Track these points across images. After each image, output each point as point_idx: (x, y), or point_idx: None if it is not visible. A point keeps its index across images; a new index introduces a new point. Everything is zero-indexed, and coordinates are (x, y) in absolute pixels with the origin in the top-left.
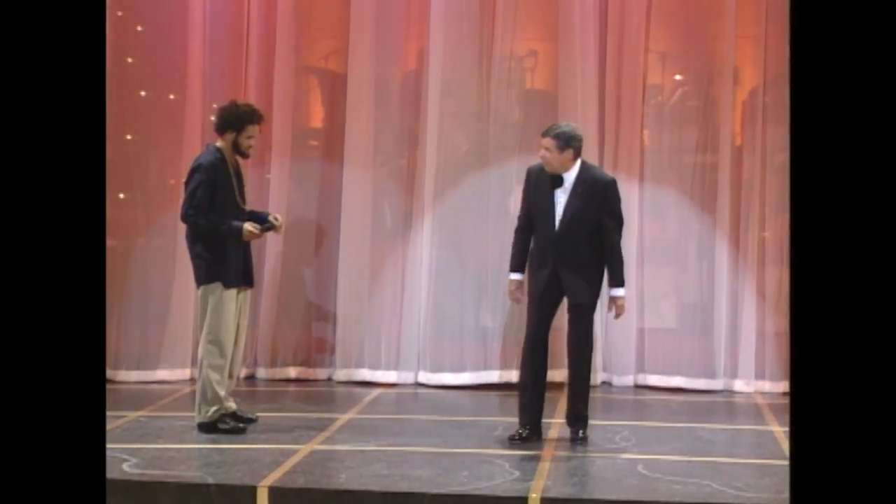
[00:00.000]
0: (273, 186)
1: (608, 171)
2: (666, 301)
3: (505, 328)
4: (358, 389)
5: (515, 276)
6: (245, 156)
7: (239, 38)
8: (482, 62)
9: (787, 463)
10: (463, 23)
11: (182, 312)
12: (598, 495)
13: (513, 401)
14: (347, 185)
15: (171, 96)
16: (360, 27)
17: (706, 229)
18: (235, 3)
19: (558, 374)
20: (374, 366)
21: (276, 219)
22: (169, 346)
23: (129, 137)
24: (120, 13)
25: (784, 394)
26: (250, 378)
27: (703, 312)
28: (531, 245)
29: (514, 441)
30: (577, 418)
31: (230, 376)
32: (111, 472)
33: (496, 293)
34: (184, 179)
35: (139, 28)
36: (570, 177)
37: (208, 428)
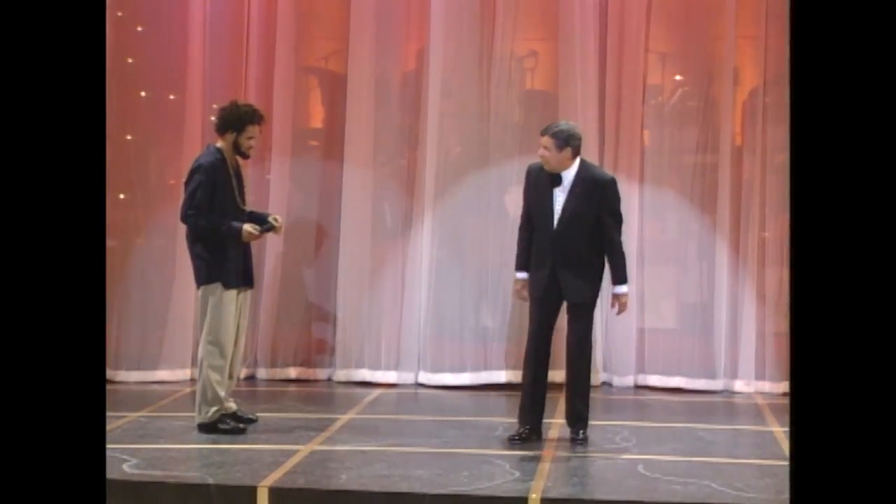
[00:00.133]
0: (273, 187)
1: (608, 171)
2: (666, 301)
3: (505, 328)
4: (358, 390)
5: (521, 275)
6: (245, 156)
7: (239, 38)
8: (482, 62)
9: (787, 463)
10: (463, 23)
11: (182, 312)
12: (598, 496)
13: (513, 401)
14: (347, 185)
15: (171, 96)
16: (360, 27)
17: (706, 229)
18: (235, 3)
19: (558, 374)
20: (375, 366)
21: (275, 220)
22: (169, 346)
23: (129, 137)
24: (120, 13)
25: (784, 394)
26: (250, 378)
27: (704, 313)
28: (533, 243)
29: (514, 441)
30: (578, 418)
31: (230, 377)
32: (111, 473)
33: (496, 293)
34: (184, 180)
35: (139, 28)
36: (569, 175)
37: (208, 428)
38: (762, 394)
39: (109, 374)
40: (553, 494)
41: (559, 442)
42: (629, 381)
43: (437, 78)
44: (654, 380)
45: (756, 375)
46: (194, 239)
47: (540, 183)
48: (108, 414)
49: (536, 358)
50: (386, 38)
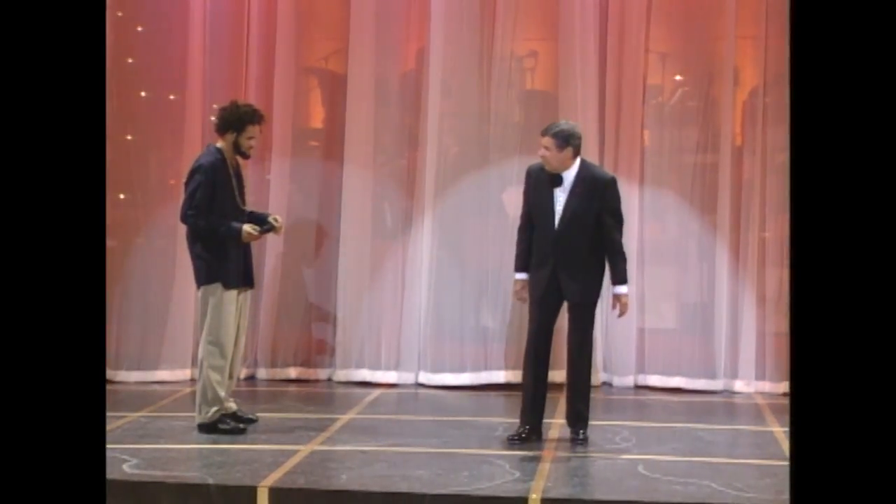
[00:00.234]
0: (273, 187)
1: (608, 170)
2: (666, 301)
3: (505, 328)
4: (358, 390)
5: (521, 276)
6: (246, 156)
7: (239, 38)
8: (482, 62)
9: (787, 463)
10: (463, 23)
11: (182, 312)
12: (598, 496)
13: (513, 401)
14: (347, 185)
15: (172, 97)
16: (360, 27)
17: (706, 230)
18: (235, 3)
19: (558, 374)
20: (375, 366)
21: (275, 220)
22: (169, 346)
23: (129, 138)
24: (120, 13)
25: (784, 394)
26: (250, 378)
27: (704, 313)
28: (533, 244)
29: (514, 442)
30: (578, 419)
31: (230, 377)
32: (111, 473)
33: (496, 293)
34: (184, 180)
35: (139, 28)
36: (570, 175)
37: (208, 428)
38: (762, 394)
39: (109, 374)
40: (553, 494)
41: (559, 442)
42: (629, 381)
43: (437, 78)
44: (655, 380)
45: (756, 375)
46: (194, 239)
47: (540, 183)
48: (108, 414)
49: (536, 358)
50: (386, 38)
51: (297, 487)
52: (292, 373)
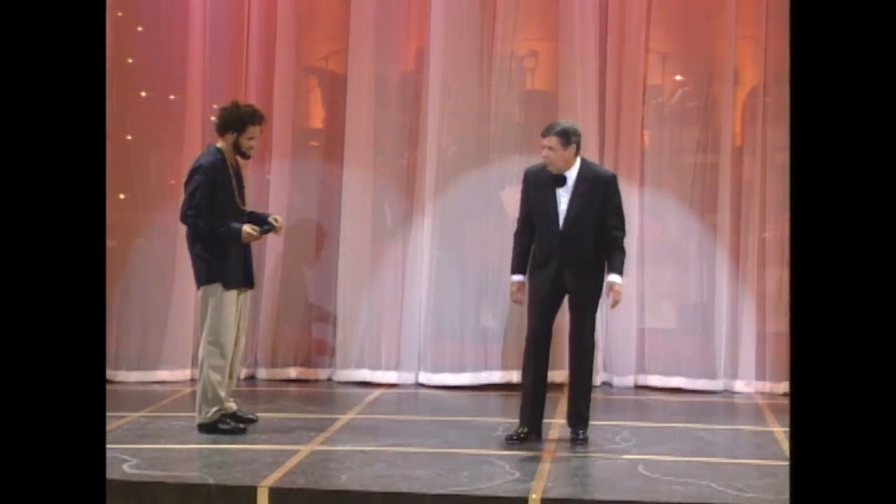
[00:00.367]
0: (273, 187)
1: (610, 170)
2: (666, 301)
3: (505, 328)
4: (358, 390)
5: (517, 278)
6: (246, 156)
7: (239, 38)
8: (482, 62)
9: (787, 464)
10: (463, 23)
11: (182, 313)
12: (598, 496)
13: (513, 401)
14: (347, 185)
15: (172, 97)
16: (360, 27)
17: (706, 230)
18: (235, 3)
19: (558, 374)
20: (375, 366)
21: (275, 220)
22: (169, 346)
23: (129, 138)
24: (120, 13)
25: (784, 394)
26: (250, 378)
27: (704, 313)
28: (533, 245)
29: (512, 441)
30: (579, 419)
31: (230, 377)
32: (111, 473)
33: (496, 293)
34: (184, 180)
35: (139, 28)
36: (572, 175)
37: (209, 428)
38: (762, 394)
39: (109, 374)
40: (553, 495)
41: (559, 442)
42: (629, 381)
43: (437, 78)
44: (655, 380)
45: (756, 375)
46: (194, 239)
47: (541, 185)
48: (108, 414)
49: (536, 358)
50: (386, 38)
51: (297, 487)
52: (292, 373)
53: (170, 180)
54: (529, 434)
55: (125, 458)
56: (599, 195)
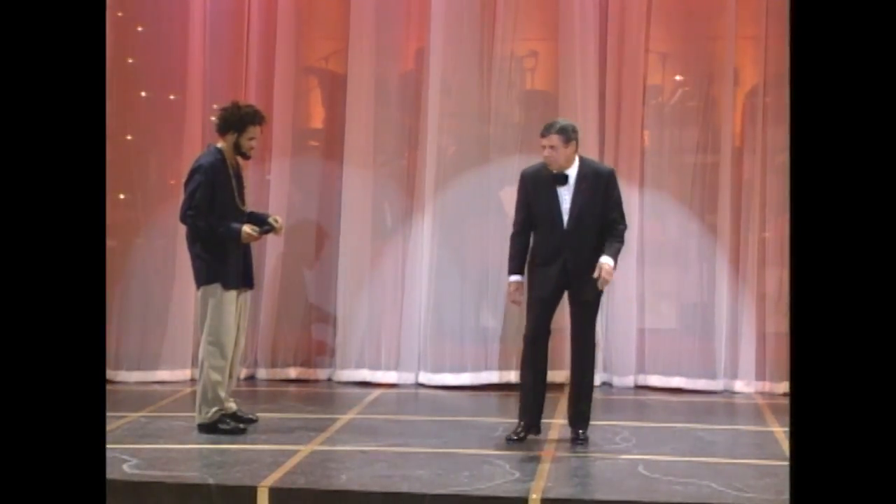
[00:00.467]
0: (273, 187)
1: (608, 165)
2: (666, 301)
3: (505, 328)
4: (358, 390)
5: (515, 278)
6: (246, 157)
7: (239, 38)
8: (482, 62)
9: (787, 463)
10: (463, 23)
11: (182, 313)
12: (598, 496)
13: (513, 401)
14: (347, 185)
15: (172, 97)
16: (360, 27)
17: (706, 230)
18: (235, 3)
19: (559, 374)
20: (375, 366)
21: (275, 221)
22: (169, 346)
23: (129, 138)
24: (120, 13)
25: (784, 394)
26: (250, 378)
27: (704, 313)
28: (534, 245)
29: (512, 441)
30: (581, 419)
31: (229, 377)
32: (111, 473)
33: (496, 293)
34: (184, 180)
35: (139, 28)
36: (573, 173)
37: (209, 428)
38: (762, 394)
39: (109, 374)
40: (553, 495)
41: (559, 442)
42: (629, 381)
43: (437, 78)
44: (655, 380)
45: (756, 376)
46: (194, 239)
47: (540, 186)
48: (109, 414)
49: (536, 357)
50: (386, 38)
51: (297, 487)
52: (292, 373)
53: (170, 180)
54: (529, 431)
55: (125, 458)
56: (601, 191)
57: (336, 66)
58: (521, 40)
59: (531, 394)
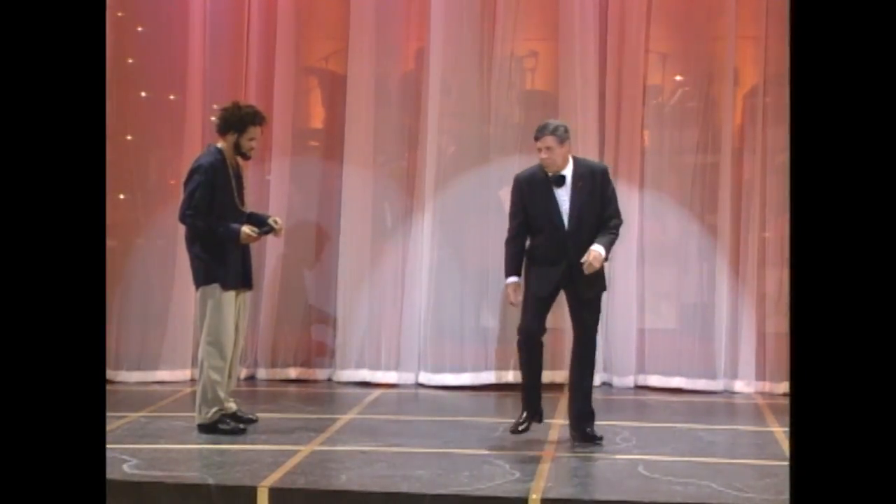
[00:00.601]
0: (273, 187)
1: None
2: (666, 301)
3: (505, 328)
4: (358, 390)
5: (513, 279)
6: (246, 157)
7: (239, 38)
8: (482, 62)
9: (787, 463)
10: (463, 23)
11: (182, 313)
12: (598, 496)
13: (513, 401)
14: (347, 185)
15: (172, 97)
16: (360, 27)
17: (706, 230)
18: (235, 3)
19: (559, 374)
20: (375, 366)
21: (275, 222)
22: (169, 346)
23: (129, 138)
24: (120, 13)
25: (784, 394)
26: (250, 379)
27: (704, 313)
28: (533, 247)
29: (517, 432)
30: (589, 417)
31: (228, 377)
32: (111, 473)
33: (496, 293)
34: (183, 180)
35: (139, 28)
36: (569, 173)
37: (208, 429)
38: (762, 394)
39: (109, 374)
40: (553, 495)
41: (559, 442)
42: (629, 381)
43: (437, 78)
44: (655, 380)
45: (756, 376)
46: (193, 239)
47: (537, 189)
48: (109, 414)
49: (532, 353)
50: (386, 38)
51: (297, 488)
52: (292, 373)
53: (170, 180)
54: (532, 419)
55: (125, 458)
56: (597, 189)
57: (336, 66)
58: (521, 40)
59: (531, 389)
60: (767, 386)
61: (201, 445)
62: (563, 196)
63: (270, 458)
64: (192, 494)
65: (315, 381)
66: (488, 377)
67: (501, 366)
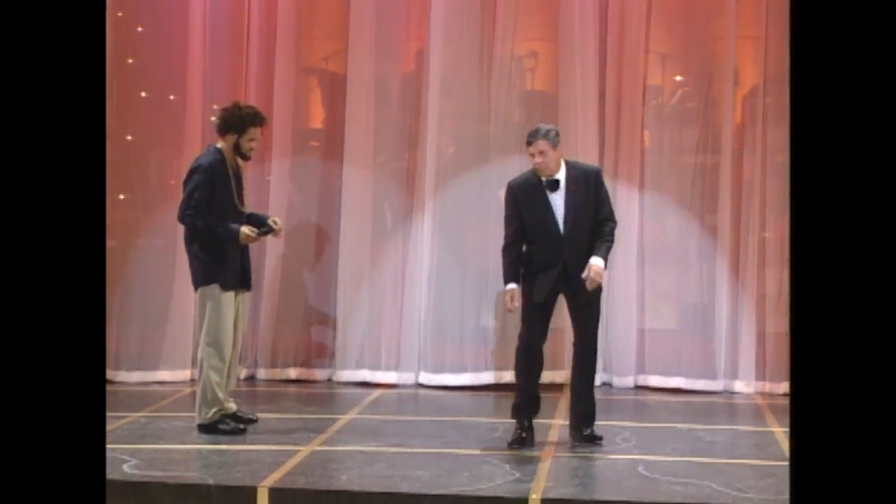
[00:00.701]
0: (273, 187)
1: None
2: (666, 302)
3: (505, 329)
4: (358, 390)
5: (512, 286)
6: (246, 158)
7: (239, 38)
8: (482, 63)
9: (787, 464)
10: (463, 23)
11: (182, 313)
12: (598, 496)
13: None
14: (347, 185)
15: (172, 97)
16: (360, 28)
17: (706, 230)
18: (236, 3)
19: (559, 374)
20: (375, 367)
21: (275, 223)
22: (169, 346)
23: (129, 138)
24: (120, 13)
25: (784, 394)
26: (250, 379)
27: (704, 313)
28: (531, 254)
29: (515, 446)
30: (589, 417)
31: (227, 377)
32: (111, 473)
33: (496, 294)
34: (182, 179)
35: (139, 28)
36: (562, 177)
37: (208, 429)
38: (762, 394)
39: (109, 374)
40: (553, 495)
41: (559, 442)
42: (629, 381)
43: (437, 78)
44: (655, 380)
45: (756, 376)
46: (191, 239)
47: (531, 195)
48: (109, 414)
49: (532, 361)
50: (386, 38)
51: (297, 488)
52: (292, 373)
53: (170, 180)
54: (528, 433)
55: (125, 459)
56: (591, 191)
57: (336, 67)
58: (521, 40)
59: (527, 396)
60: (767, 386)
61: (201, 446)
62: (558, 201)
63: (270, 458)
64: (192, 494)
65: (315, 382)
66: (488, 377)
67: (502, 366)
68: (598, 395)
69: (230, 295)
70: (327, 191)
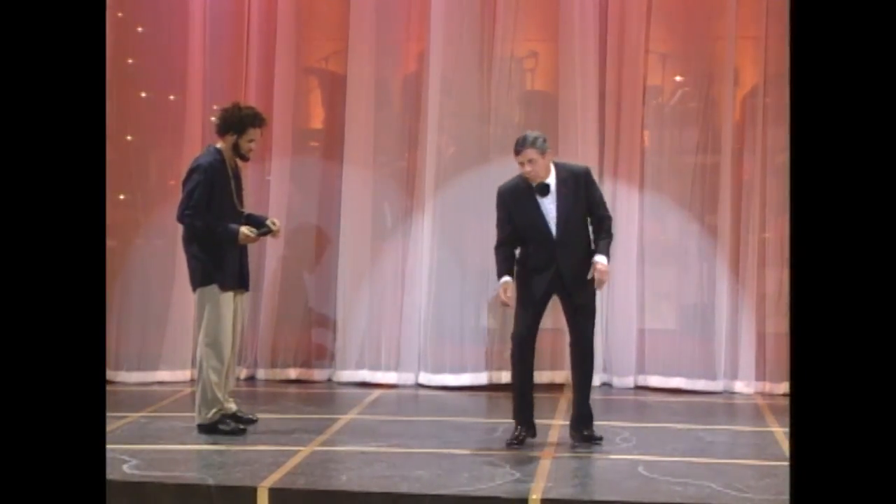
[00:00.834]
0: (273, 187)
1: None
2: (666, 302)
3: (505, 328)
4: (358, 391)
5: (505, 279)
6: (245, 159)
7: (239, 39)
8: (482, 63)
9: (787, 464)
10: (463, 24)
11: (182, 313)
12: (598, 496)
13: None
14: (347, 185)
15: (172, 97)
16: (360, 28)
17: (706, 230)
18: (236, 3)
19: (559, 374)
20: (375, 367)
21: (273, 223)
22: (169, 346)
23: (129, 138)
24: (120, 14)
25: (784, 394)
26: (250, 379)
27: (704, 313)
28: (524, 256)
29: (514, 445)
30: (589, 418)
31: (226, 377)
32: (111, 473)
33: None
34: (182, 179)
35: (139, 29)
36: (552, 181)
37: (208, 429)
38: (762, 394)
39: (109, 374)
40: (553, 495)
41: (559, 442)
42: (629, 381)
43: (437, 78)
44: (655, 380)
45: (756, 376)
46: (190, 239)
47: (522, 200)
48: (109, 414)
49: (525, 359)
50: (386, 38)
51: (297, 488)
52: (292, 373)
53: (170, 180)
54: (528, 432)
55: (125, 459)
56: (581, 192)
57: (336, 67)
58: (521, 41)
59: (523, 394)
60: (767, 386)
61: (201, 446)
62: (549, 205)
63: (270, 458)
64: (192, 495)
65: (315, 382)
66: (488, 377)
67: (502, 366)
68: (598, 395)
69: (229, 295)
70: (327, 191)
